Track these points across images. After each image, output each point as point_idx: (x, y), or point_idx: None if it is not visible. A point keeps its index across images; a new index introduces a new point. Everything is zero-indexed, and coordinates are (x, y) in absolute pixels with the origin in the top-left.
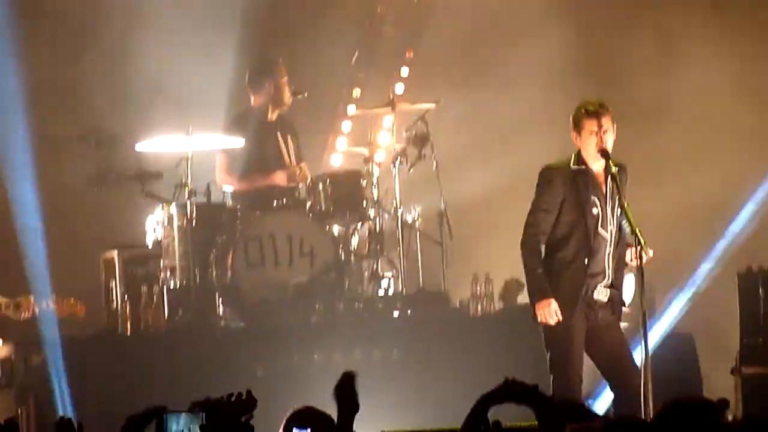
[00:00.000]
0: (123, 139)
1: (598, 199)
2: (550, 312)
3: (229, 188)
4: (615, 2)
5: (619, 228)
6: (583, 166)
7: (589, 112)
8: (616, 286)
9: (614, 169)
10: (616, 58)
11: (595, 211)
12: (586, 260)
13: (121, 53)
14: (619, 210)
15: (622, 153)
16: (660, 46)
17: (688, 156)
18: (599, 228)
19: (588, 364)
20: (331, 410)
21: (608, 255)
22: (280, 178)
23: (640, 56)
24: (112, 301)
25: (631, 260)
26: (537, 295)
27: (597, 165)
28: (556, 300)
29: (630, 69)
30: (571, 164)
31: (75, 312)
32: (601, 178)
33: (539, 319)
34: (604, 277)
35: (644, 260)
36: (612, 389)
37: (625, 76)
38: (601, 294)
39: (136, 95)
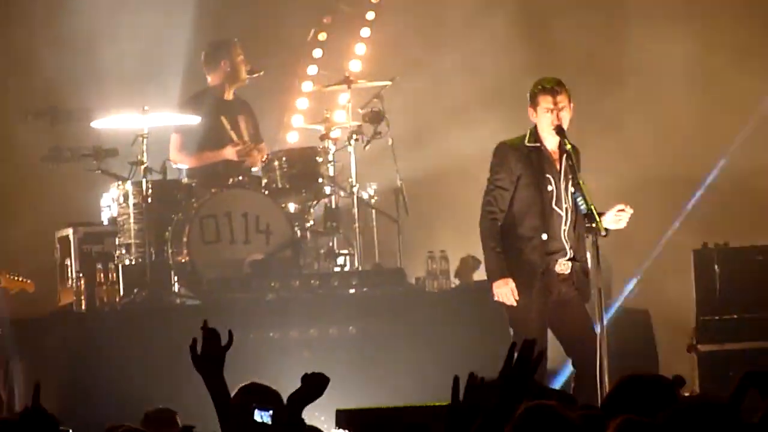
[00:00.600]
0: (78, 115)
1: (552, 176)
2: (507, 292)
3: (183, 166)
4: None
5: (575, 205)
6: (538, 144)
7: (545, 89)
8: (578, 260)
9: (568, 146)
10: (572, 34)
11: (549, 188)
12: (543, 236)
13: (78, 29)
14: (572, 188)
15: (578, 124)
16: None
17: (645, 131)
18: (554, 205)
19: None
20: (282, 387)
21: (565, 232)
22: (234, 155)
23: (595, 30)
24: (68, 278)
25: (587, 237)
26: (495, 274)
27: (552, 142)
28: (516, 277)
29: (587, 44)
30: (526, 141)
31: (24, 288)
32: (556, 156)
33: (496, 299)
34: (564, 254)
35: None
36: (573, 365)
37: (582, 51)
38: (563, 266)
39: (92, 72)
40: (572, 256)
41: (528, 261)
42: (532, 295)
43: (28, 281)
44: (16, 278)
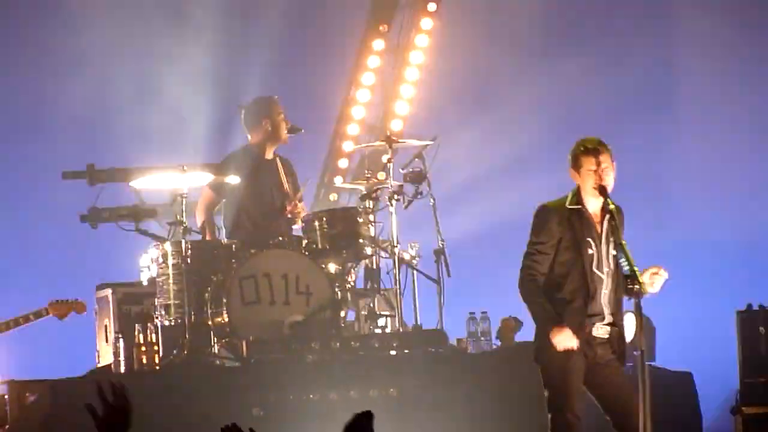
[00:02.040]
0: (116, 174)
1: (594, 239)
2: (568, 335)
3: (224, 225)
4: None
5: (617, 268)
6: (580, 206)
7: (587, 149)
8: (616, 324)
9: (612, 207)
10: (620, 94)
11: (590, 251)
12: (583, 300)
13: (117, 87)
14: (614, 251)
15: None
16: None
17: (689, 194)
18: (594, 268)
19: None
20: None
21: (605, 296)
22: (277, 216)
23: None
24: (107, 339)
25: (629, 299)
26: (549, 323)
27: (594, 204)
28: None
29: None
30: (568, 203)
31: (75, 309)
32: (598, 218)
33: (558, 347)
34: (603, 318)
35: (641, 299)
36: (614, 429)
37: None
38: (600, 331)
39: (131, 130)
40: (611, 320)
41: (568, 324)
42: (571, 358)
43: (78, 300)
44: (63, 302)
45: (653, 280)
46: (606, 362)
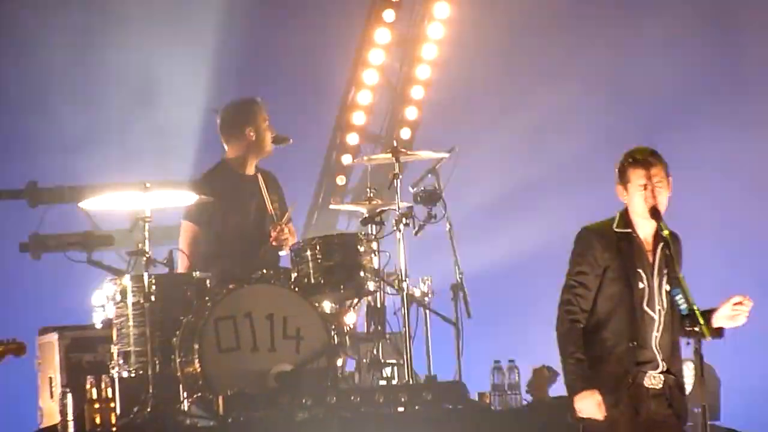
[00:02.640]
0: (64, 194)
1: (645, 271)
2: (593, 405)
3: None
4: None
5: (671, 307)
6: (629, 230)
7: (636, 161)
8: (673, 373)
9: (666, 232)
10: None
11: (641, 285)
12: (631, 344)
13: (62, 88)
14: (668, 285)
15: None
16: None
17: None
18: (645, 306)
19: None
20: None
21: (656, 338)
22: (261, 244)
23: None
24: (51, 395)
25: (687, 344)
26: (578, 385)
27: (646, 228)
28: (599, 392)
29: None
30: (615, 226)
31: (13, 351)
32: (650, 245)
33: (579, 415)
34: (656, 366)
35: (702, 344)
36: None
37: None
38: (654, 380)
39: (81, 140)
40: (665, 368)
41: (612, 373)
42: (617, 416)
43: (16, 341)
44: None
45: (737, 311)
46: (662, 420)
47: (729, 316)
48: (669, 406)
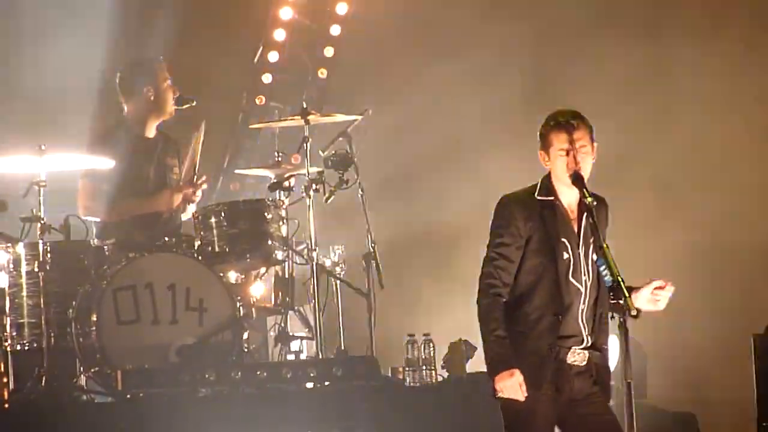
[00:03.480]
0: None
1: (569, 240)
2: (515, 385)
3: (94, 221)
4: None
5: (597, 277)
6: (552, 197)
7: (558, 123)
8: (597, 348)
9: (589, 200)
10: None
11: (565, 255)
12: (555, 318)
13: None
14: (594, 255)
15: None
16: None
17: (690, 186)
18: (570, 277)
19: None
20: None
21: (582, 312)
22: (171, 201)
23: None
24: None
25: (612, 318)
26: (498, 365)
27: (569, 195)
28: (519, 369)
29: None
30: (537, 194)
31: None
32: (574, 213)
33: (500, 395)
34: (581, 341)
35: (628, 318)
36: None
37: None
38: (577, 356)
39: None
40: (590, 343)
41: (533, 349)
42: (538, 393)
43: None
44: None
45: (657, 296)
46: (585, 397)
47: (649, 299)
48: (594, 384)
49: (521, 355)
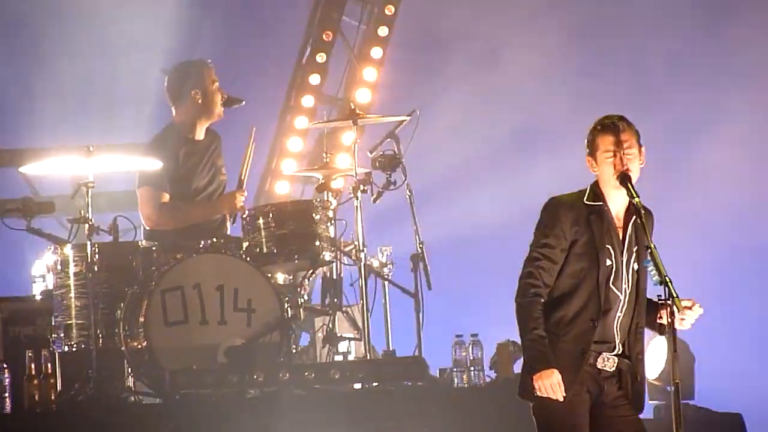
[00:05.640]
0: (3, 157)
1: (613, 247)
2: (553, 384)
3: (163, 228)
4: None
5: (637, 288)
6: (600, 203)
7: (605, 126)
8: (629, 357)
9: (637, 199)
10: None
11: (608, 262)
12: (591, 323)
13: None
14: (635, 264)
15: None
16: None
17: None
18: (610, 284)
19: None
20: None
21: (618, 320)
22: (234, 204)
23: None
24: None
25: (660, 318)
26: (537, 363)
27: (617, 201)
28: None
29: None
30: (585, 198)
31: None
32: (620, 222)
33: (538, 393)
34: (613, 348)
35: (677, 319)
36: None
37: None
38: (607, 362)
39: (23, 101)
40: (621, 351)
41: (568, 352)
42: (570, 396)
43: None
44: None
45: (685, 316)
46: (612, 401)
47: (677, 319)
48: (619, 389)
49: (557, 356)
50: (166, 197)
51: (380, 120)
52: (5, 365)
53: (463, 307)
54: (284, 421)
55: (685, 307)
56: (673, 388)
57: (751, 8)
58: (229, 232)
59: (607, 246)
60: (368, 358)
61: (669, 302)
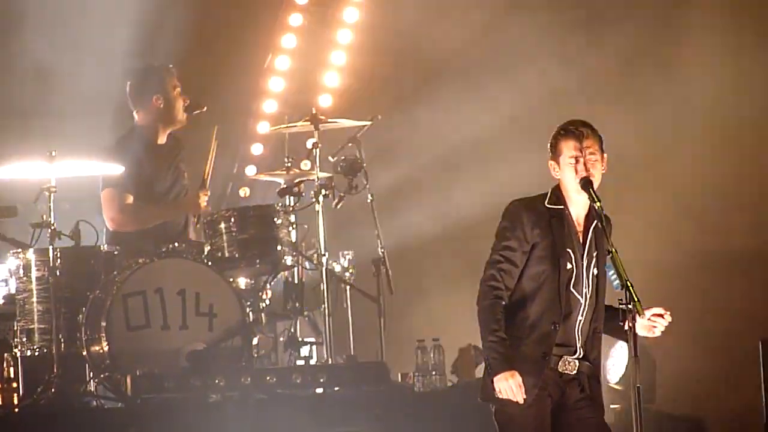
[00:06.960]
0: None
1: (574, 251)
2: (513, 386)
3: (124, 229)
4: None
5: (596, 292)
6: (561, 206)
7: (568, 131)
8: (588, 359)
9: (598, 204)
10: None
11: (569, 266)
12: (552, 326)
13: None
14: (595, 269)
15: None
16: None
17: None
18: (571, 288)
19: None
20: None
21: (579, 323)
22: (189, 208)
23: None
24: None
25: (621, 322)
26: (498, 365)
27: (578, 205)
28: None
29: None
30: (547, 201)
31: None
32: (581, 225)
33: (499, 395)
34: (574, 351)
35: (638, 323)
36: None
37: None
38: (568, 366)
39: None
40: (582, 354)
41: (529, 355)
42: (531, 400)
43: None
44: None
45: (654, 323)
46: (574, 403)
47: (645, 325)
48: (581, 391)
49: (516, 359)
50: (130, 198)
51: (342, 125)
52: None
53: (424, 312)
54: (246, 426)
55: (657, 314)
56: (634, 393)
57: None
58: (194, 234)
59: (567, 250)
60: (330, 362)
61: (630, 306)
